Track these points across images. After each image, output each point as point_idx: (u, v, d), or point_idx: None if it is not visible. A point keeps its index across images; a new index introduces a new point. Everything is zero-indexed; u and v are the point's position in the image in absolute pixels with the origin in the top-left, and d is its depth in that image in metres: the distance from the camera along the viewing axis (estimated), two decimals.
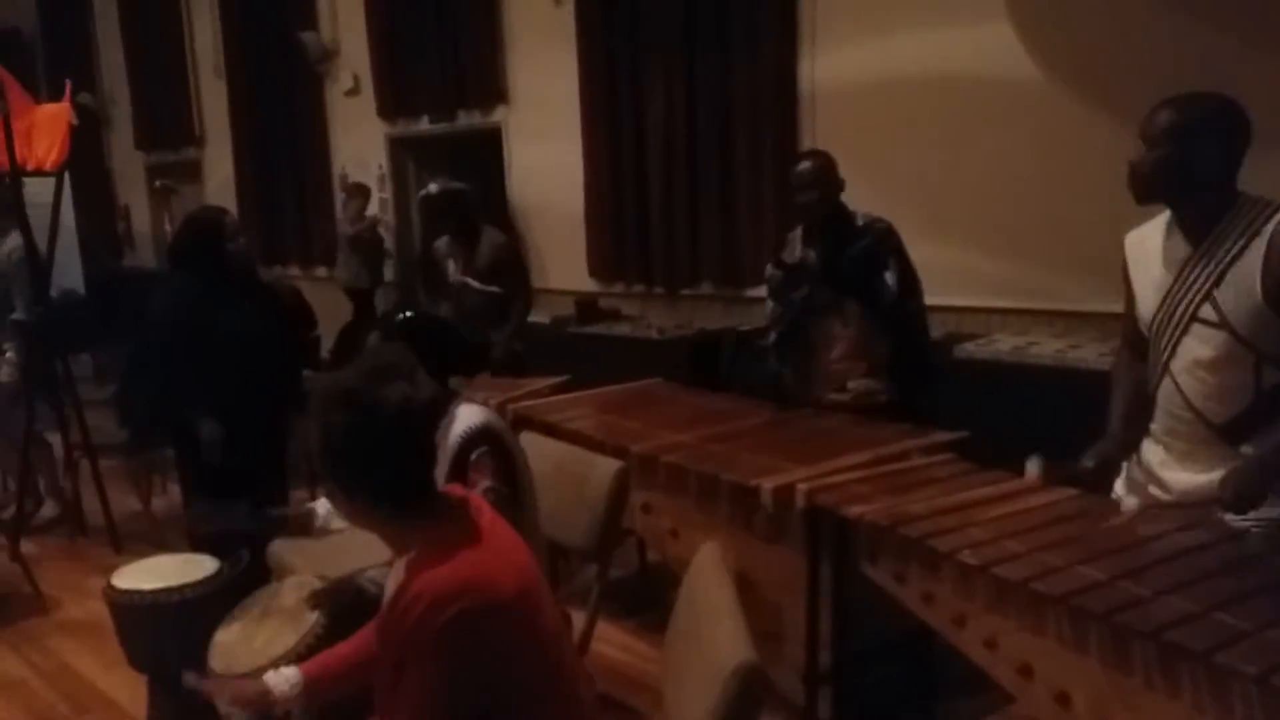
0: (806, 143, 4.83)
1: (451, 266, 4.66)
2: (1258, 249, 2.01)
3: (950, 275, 4.36)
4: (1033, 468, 2.46)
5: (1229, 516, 2.13)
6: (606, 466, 2.69)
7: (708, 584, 1.86)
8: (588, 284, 5.98)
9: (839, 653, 2.62)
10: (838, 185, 3.21)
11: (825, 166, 3.20)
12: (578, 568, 3.55)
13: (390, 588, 1.69)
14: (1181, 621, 1.73)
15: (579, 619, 2.52)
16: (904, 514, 2.31)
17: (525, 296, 4.75)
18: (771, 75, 4.88)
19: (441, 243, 4.78)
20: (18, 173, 4.40)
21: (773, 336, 3.39)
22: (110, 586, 2.70)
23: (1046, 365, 3.79)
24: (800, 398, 3.33)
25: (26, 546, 4.38)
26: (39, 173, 4.60)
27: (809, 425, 3.21)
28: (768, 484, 2.57)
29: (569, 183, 5.95)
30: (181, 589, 2.63)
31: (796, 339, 3.35)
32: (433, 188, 4.90)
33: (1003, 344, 4.03)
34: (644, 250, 5.67)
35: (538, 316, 5.76)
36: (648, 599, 3.68)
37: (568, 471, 2.76)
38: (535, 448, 2.99)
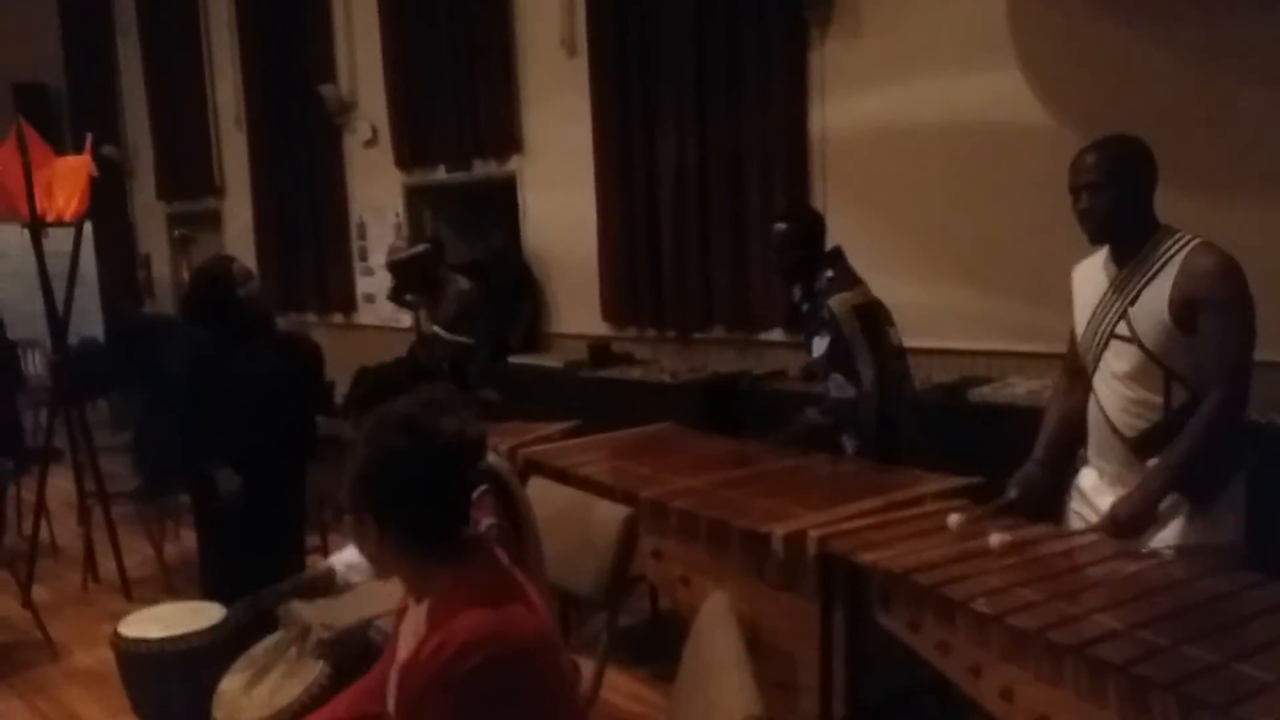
0: (817, 189, 4.85)
1: (423, 317, 4.81)
2: (1168, 274, 2.25)
3: (963, 319, 4.35)
4: (952, 521, 2.48)
5: (1120, 542, 2.27)
6: (615, 513, 2.66)
7: (715, 634, 1.82)
8: (601, 328, 5.99)
9: (853, 704, 2.56)
10: (808, 248, 3.30)
11: (794, 230, 3.30)
12: (587, 615, 3.51)
13: (406, 642, 1.62)
14: (1202, 673, 1.69)
15: (588, 667, 2.49)
16: (917, 561, 2.27)
17: (487, 343, 4.88)
18: (782, 122, 4.91)
19: (412, 295, 5.00)
20: (37, 223, 4.47)
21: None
22: (117, 634, 2.69)
23: None
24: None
25: (38, 593, 4.38)
26: (59, 223, 4.67)
27: (822, 470, 3.18)
28: (779, 530, 2.54)
29: (583, 229, 5.99)
30: (187, 638, 2.61)
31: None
32: (401, 255, 5.03)
33: (1018, 388, 3.98)
34: (656, 295, 5.68)
35: (551, 361, 5.80)
36: (659, 647, 3.62)
37: (576, 518, 2.74)
38: (545, 493, 2.98)
